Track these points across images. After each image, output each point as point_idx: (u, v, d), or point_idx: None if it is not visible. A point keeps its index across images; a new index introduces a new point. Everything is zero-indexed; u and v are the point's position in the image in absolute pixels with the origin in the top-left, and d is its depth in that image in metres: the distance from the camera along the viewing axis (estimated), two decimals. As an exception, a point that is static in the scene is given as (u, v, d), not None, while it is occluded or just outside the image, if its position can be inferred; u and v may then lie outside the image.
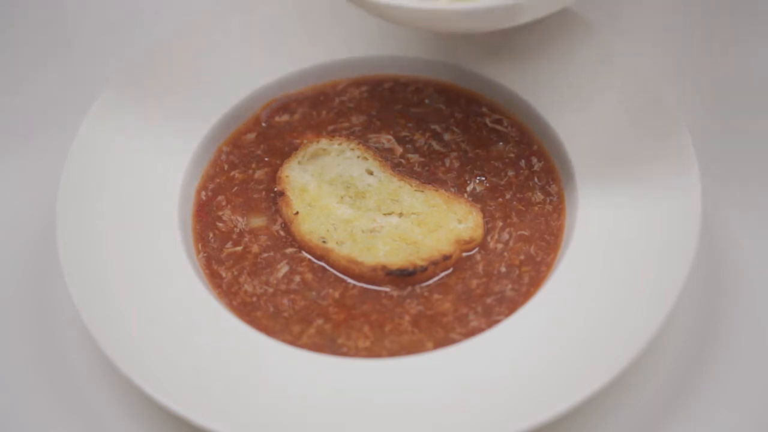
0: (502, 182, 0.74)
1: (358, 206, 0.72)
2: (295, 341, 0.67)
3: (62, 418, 0.69)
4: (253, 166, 0.75)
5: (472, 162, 0.75)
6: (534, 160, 0.75)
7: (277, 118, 0.78)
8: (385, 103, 0.78)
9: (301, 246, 0.71)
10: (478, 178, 0.74)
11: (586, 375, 0.64)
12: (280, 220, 0.73)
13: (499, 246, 0.71)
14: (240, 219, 0.73)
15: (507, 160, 0.75)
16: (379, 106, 0.78)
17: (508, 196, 0.73)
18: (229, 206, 0.74)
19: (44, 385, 0.70)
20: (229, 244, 0.72)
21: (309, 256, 0.71)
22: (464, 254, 0.71)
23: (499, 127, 0.76)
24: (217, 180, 0.75)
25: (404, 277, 0.69)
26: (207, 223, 0.73)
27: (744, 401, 0.68)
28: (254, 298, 0.70)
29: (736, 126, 0.80)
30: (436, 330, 0.68)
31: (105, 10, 0.88)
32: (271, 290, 0.70)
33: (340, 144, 0.75)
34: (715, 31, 0.85)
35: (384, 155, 0.75)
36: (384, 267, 0.69)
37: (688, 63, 0.84)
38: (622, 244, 0.69)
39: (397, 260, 0.69)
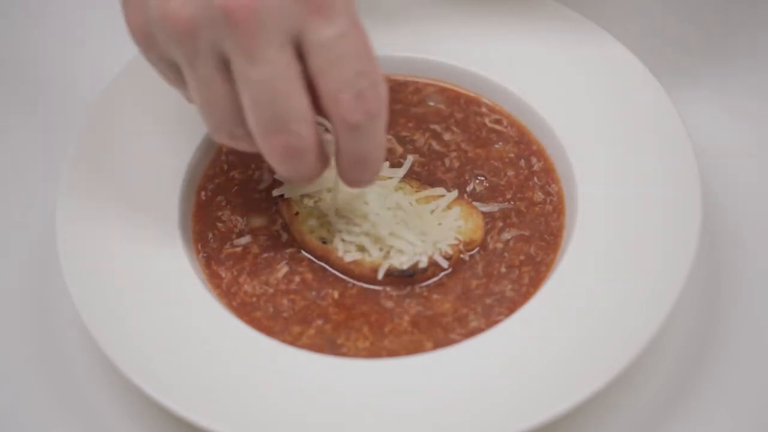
0: (502, 182, 0.74)
1: (357, 206, 0.72)
2: (294, 342, 0.67)
3: (62, 418, 0.69)
4: (253, 166, 0.75)
5: (472, 162, 0.75)
6: (534, 160, 0.75)
7: (277, 118, 0.78)
8: (385, 103, 0.78)
9: (302, 246, 0.71)
10: (477, 178, 0.74)
11: (586, 375, 0.64)
12: (280, 220, 0.73)
13: (499, 246, 0.71)
14: (240, 219, 0.73)
15: (507, 160, 0.75)
16: (379, 105, 0.77)
17: (508, 196, 0.73)
18: (228, 206, 0.74)
19: (44, 385, 0.70)
20: (228, 245, 0.72)
21: (309, 256, 0.71)
22: (464, 255, 0.71)
23: (498, 127, 0.76)
24: (217, 180, 0.75)
25: (404, 277, 0.69)
26: (206, 224, 0.73)
27: (744, 401, 0.68)
28: (254, 299, 0.70)
29: (736, 123, 0.81)
30: (436, 330, 0.68)
31: (108, 8, 0.88)
32: (271, 290, 0.70)
33: (340, 144, 0.75)
34: (713, 24, 0.85)
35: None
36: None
37: (688, 61, 0.84)
38: (622, 244, 0.69)
39: (397, 261, 0.69)
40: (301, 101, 0.60)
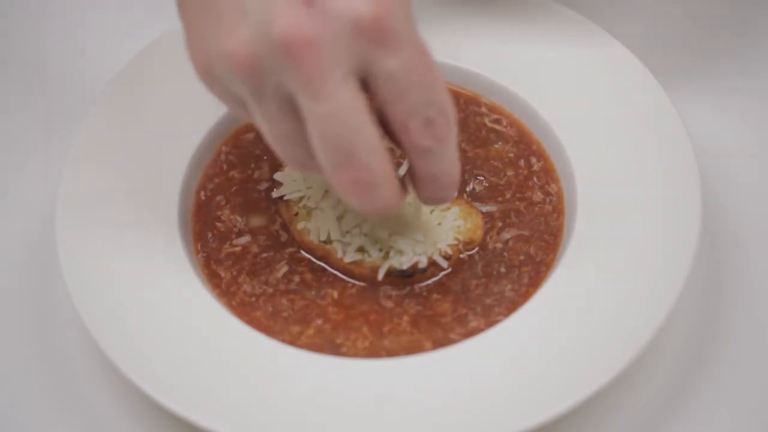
0: (502, 182, 0.74)
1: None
2: (294, 341, 0.67)
3: (62, 418, 0.69)
4: (253, 165, 0.75)
5: (472, 162, 0.75)
6: (533, 159, 0.75)
7: (277, 118, 0.78)
8: (386, 103, 0.77)
9: (302, 246, 0.71)
10: (477, 177, 0.74)
11: (586, 375, 0.64)
12: (279, 220, 0.73)
13: (499, 246, 0.71)
14: (239, 219, 0.73)
15: (506, 159, 0.75)
16: (380, 105, 0.77)
17: (507, 196, 0.73)
18: (228, 206, 0.74)
19: (44, 385, 0.70)
20: (228, 244, 0.72)
21: (309, 256, 0.71)
22: (463, 255, 0.71)
23: (498, 127, 0.76)
24: (217, 180, 0.75)
25: (404, 277, 0.69)
26: (206, 223, 0.73)
27: (744, 401, 0.68)
28: (253, 298, 0.70)
29: (737, 123, 0.81)
30: (435, 330, 0.68)
31: (108, 8, 0.88)
32: (270, 290, 0.70)
33: (340, 144, 0.75)
34: (713, 24, 0.85)
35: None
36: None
37: (689, 61, 0.84)
38: (622, 244, 0.69)
39: (397, 261, 0.69)
40: (368, 133, 0.58)
